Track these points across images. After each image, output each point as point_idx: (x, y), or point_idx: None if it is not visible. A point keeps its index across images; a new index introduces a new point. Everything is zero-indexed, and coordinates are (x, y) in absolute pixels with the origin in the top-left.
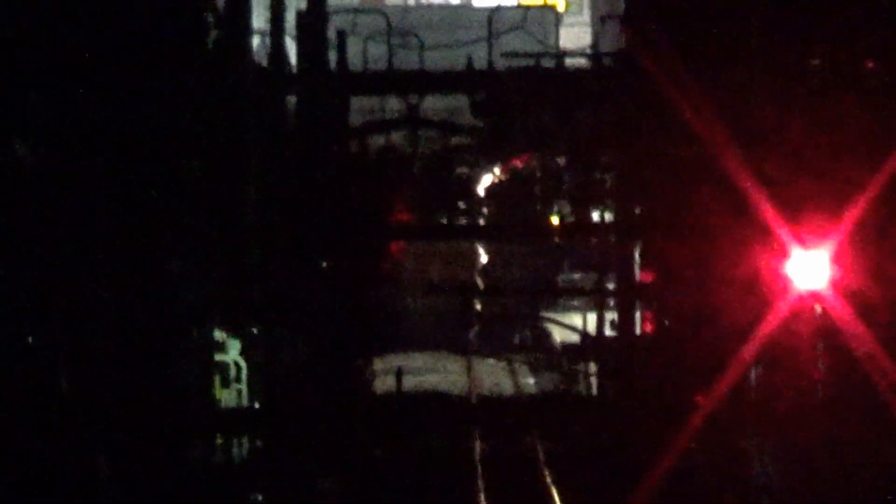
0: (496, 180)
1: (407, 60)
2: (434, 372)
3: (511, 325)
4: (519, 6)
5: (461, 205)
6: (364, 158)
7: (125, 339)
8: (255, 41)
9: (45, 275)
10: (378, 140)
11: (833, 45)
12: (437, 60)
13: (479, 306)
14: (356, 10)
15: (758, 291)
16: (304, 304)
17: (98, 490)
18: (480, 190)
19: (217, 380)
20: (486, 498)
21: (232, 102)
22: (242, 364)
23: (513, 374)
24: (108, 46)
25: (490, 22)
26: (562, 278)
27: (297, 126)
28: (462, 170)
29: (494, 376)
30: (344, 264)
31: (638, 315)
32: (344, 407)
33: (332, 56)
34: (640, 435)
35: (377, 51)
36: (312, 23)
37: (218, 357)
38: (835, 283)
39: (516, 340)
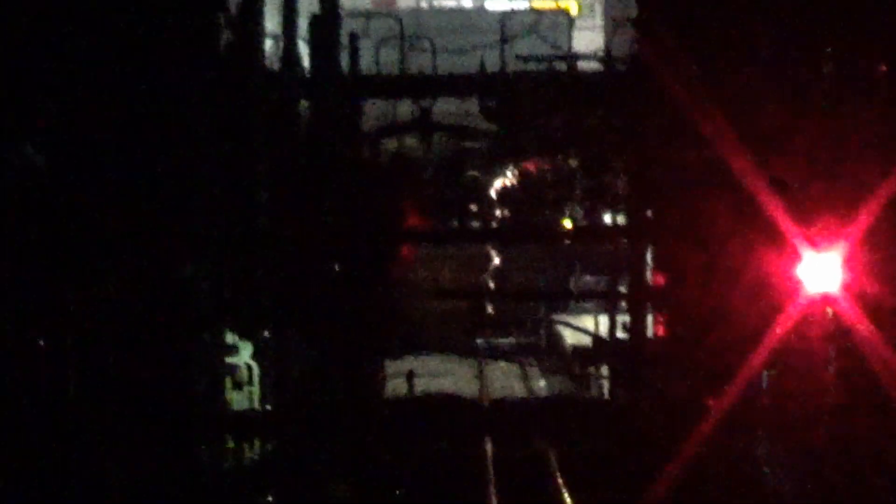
0: (508, 184)
1: (419, 64)
2: (445, 375)
3: (522, 328)
4: (531, 10)
5: (473, 208)
6: (376, 162)
7: (136, 343)
8: (268, 44)
9: (55, 278)
10: (390, 144)
11: (845, 48)
12: (449, 64)
13: (490, 309)
14: (369, 14)
15: (769, 295)
16: (316, 307)
17: (108, 494)
18: (492, 193)
19: (228, 383)
20: (498, 501)
21: (244, 106)
22: (254, 367)
23: (524, 377)
24: (120, 50)
25: (502, 25)
26: (574, 281)
27: (309, 130)
28: (474, 173)
29: (506, 379)
30: (355, 268)
31: (650, 318)
32: (355, 410)
33: (345, 60)
34: (651, 438)
35: (389, 54)
36: (325, 26)
37: (229, 360)
38: (846, 287)
39: (528, 343)
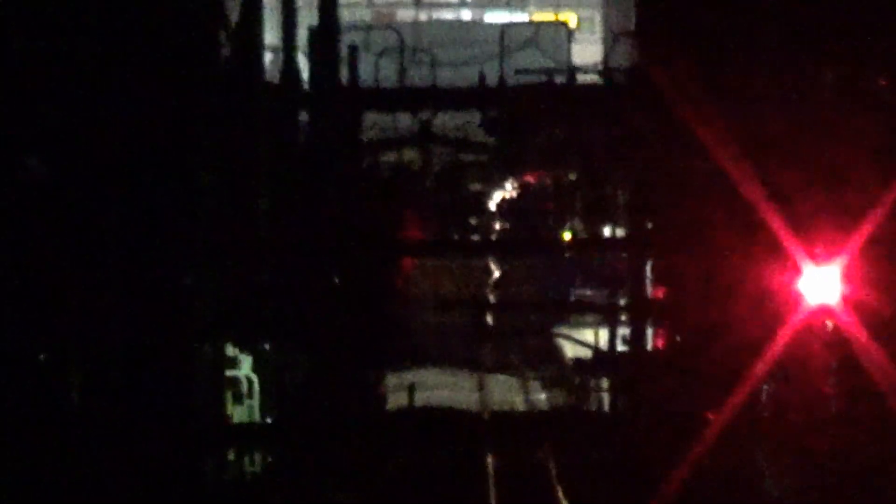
0: (508, 196)
1: (419, 77)
2: (446, 387)
3: (523, 340)
4: (531, 22)
5: (473, 221)
6: (376, 175)
7: (137, 354)
8: (268, 57)
9: (57, 288)
10: (390, 156)
11: (846, 60)
12: (448, 77)
13: (490, 321)
14: (368, 27)
15: (769, 307)
16: (316, 319)
17: None
18: (492, 206)
19: (229, 395)
20: None
21: (244, 118)
22: (255, 379)
23: (525, 389)
24: (121, 62)
25: (502, 38)
26: (574, 294)
27: (308, 142)
28: (474, 186)
29: (506, 391)
30: (356, 280)
31: (650, 331)
32: (356, 422)
33: (344, 72)
34: (652, 450)
35: (389, 67)
36: (324, 39)
37: (230, 372)
38: (846, 299)
39: (528, 356)
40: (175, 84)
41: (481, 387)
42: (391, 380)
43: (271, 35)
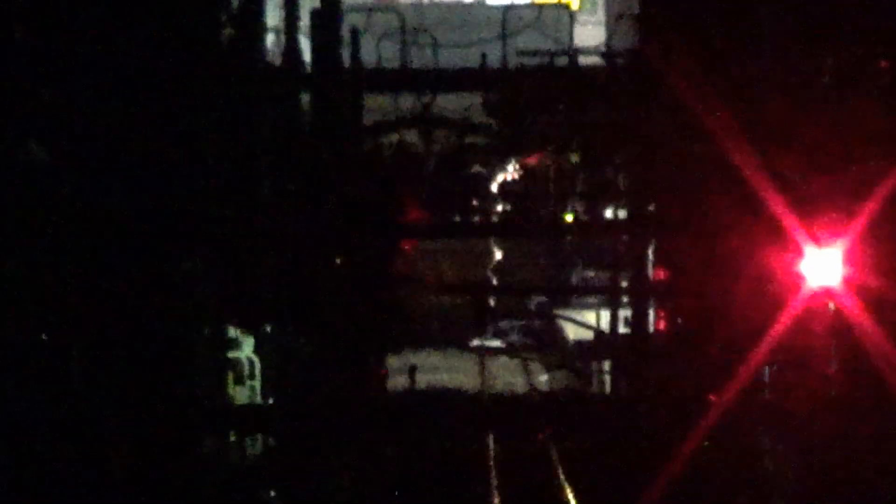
0: (510, 178)
1: (420, 58)
2: (447, 370)
3: (525, 323)
4: (533, 4)
5: (474, 203)
6: (377, 157)
7: (139, 337)
8: (269, 39)
9: (59, 272)
10: (391, 138)
11: (848, 43)
12: (450, 58)
13: (492, 304)
14: (370, 9)
15: (771, 289)
16: (318, 301)
17: (111, 488)
18: (494, 188)
19: (230, 377)
20: (500, 497)
21: (245, 100)
22: (256, 361)
23: (526, 371)
24: (121, 45)
25: (504, 20)
26: (575, 276)
27: (310, 124)
28: (475, 168)
29: (507, 374)
30: (357, 262)
31: (652, 313)
32: (357, 404)
33: (346, 54)
34: (653, 433)
35: (391, 49)
36: (326, 20)
37: (231, 354)
38: (848, 281)
39: (530, 338)
40: (176, 66)
41: (483, 369)
42: (392, 362)
43: (273, 16)
